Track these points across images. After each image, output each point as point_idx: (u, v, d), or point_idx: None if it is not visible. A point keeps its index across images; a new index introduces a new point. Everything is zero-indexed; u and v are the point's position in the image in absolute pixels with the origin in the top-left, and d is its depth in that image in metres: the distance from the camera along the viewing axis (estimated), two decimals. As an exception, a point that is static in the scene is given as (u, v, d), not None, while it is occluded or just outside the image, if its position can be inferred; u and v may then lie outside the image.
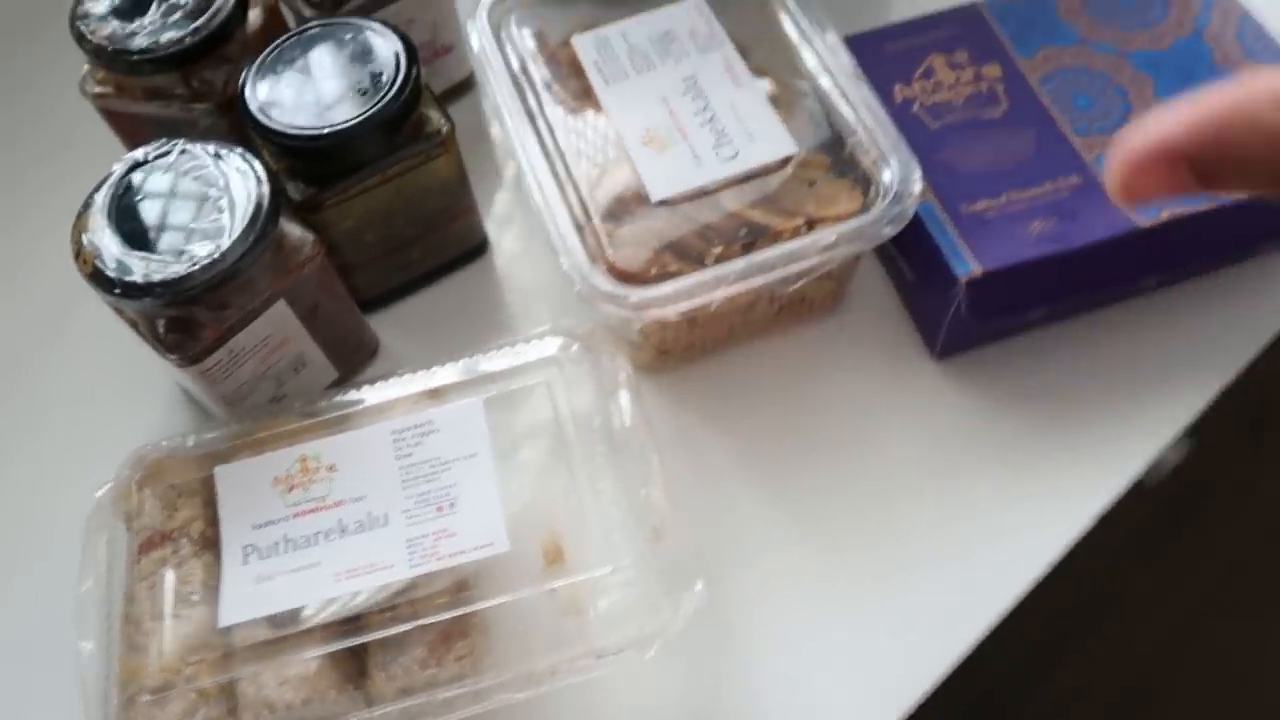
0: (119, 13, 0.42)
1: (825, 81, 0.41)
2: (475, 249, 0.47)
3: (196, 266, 0.34)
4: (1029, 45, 0.45)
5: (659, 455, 0.38)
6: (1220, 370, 0.42)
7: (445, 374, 0.39)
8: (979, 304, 0.39)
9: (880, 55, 0.45)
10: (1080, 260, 0.39)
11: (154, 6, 0.42)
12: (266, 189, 0.36)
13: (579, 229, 0.38)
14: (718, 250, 0.38)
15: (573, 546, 0.36)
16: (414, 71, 0.39)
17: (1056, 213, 0.40)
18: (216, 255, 0.35)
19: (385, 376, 0.39)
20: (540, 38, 0.45)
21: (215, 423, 0.39)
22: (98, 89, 0.43)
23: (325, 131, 0.38)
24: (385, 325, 0.46)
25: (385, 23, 0.41)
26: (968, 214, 0.40)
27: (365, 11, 0.46)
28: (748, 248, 0.38)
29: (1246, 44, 0.44)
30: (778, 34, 0.43)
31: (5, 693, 0.38)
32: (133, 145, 0.45)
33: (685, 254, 0.38)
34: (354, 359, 0.44)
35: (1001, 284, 0.39)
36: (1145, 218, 0.39)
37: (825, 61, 0.42)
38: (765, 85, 0.42)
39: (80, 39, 0.41)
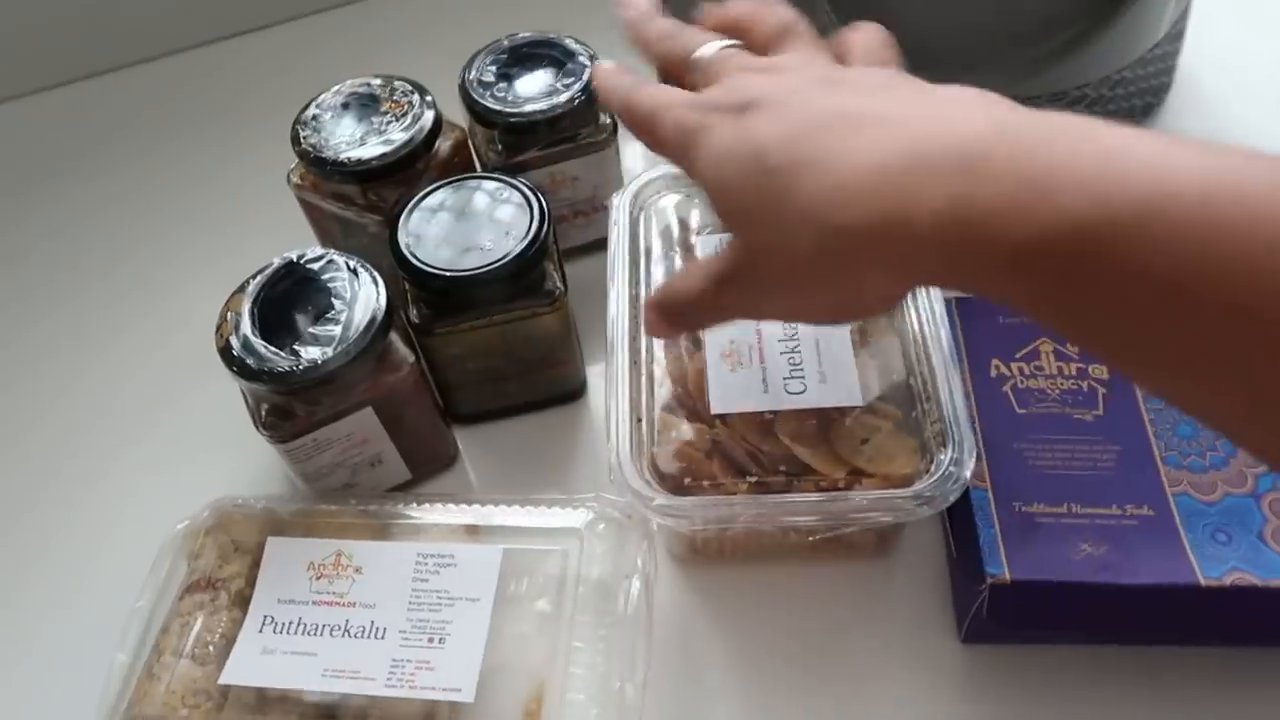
0: (329, 126, 0.49)
1: (917, 342, 0.42)
2: (570, 393, 0.51)
3: (299, 368, 0.40)
4: (1148, 355, 0.43)
5: (649, 651, 0.40)
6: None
7: (485, 514, 0.42)
8: (1002, 610, 0.39)
9: (991, 325, 0.45)
10: (1122, 598, 0.38)
11: (358, 125, 0.48)
12: (380, 314, 0.41)
13: (636, 419, 0.41)
14: (753, 479, 0.39)
15: (550, 713, 0.38)
16: (540, 238, 0.44)
17: (1113, 541, 0.38)
18: (318, 362, 0.40)
19: (440, 499, 0.43)
20: (680, 225, 0.48)
21: (290, 495, 0.45)
22: (298, 182, 0.50)
23: (446, 274, 0.43)
24: (471, 439, 0.51)
25: (533, 187, 0.46)
26: (1020, 513, 0.39)
27: (540, 164, 0.51)
28: (787, 484, 0.39)
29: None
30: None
31: (49, 675, 0.44)
32: (319, 232, 0.52)
33: (724, 471, 0.40)
34: (429, 466, 0.48)
35: (1030, 597, 0.38)
36: (1208, 578, 0.37)
37: (924, 321, 0.42)
38: (856, 329, 0.43)
39: (294, 139, 0.49)
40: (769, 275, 0.31)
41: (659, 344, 0.43)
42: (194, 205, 0.63)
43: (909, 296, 0.43)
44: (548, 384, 0.49)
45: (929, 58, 0.50)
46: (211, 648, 0.39)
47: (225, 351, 0.41)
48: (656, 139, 0.34)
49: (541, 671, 0.39)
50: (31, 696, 0.43)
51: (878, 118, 0.28)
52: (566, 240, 0.56)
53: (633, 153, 0.56)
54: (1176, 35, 0.59)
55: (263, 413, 0.42)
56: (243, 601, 0.40)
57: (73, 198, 0.65)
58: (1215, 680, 0.40)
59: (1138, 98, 0.59)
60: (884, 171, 0.26)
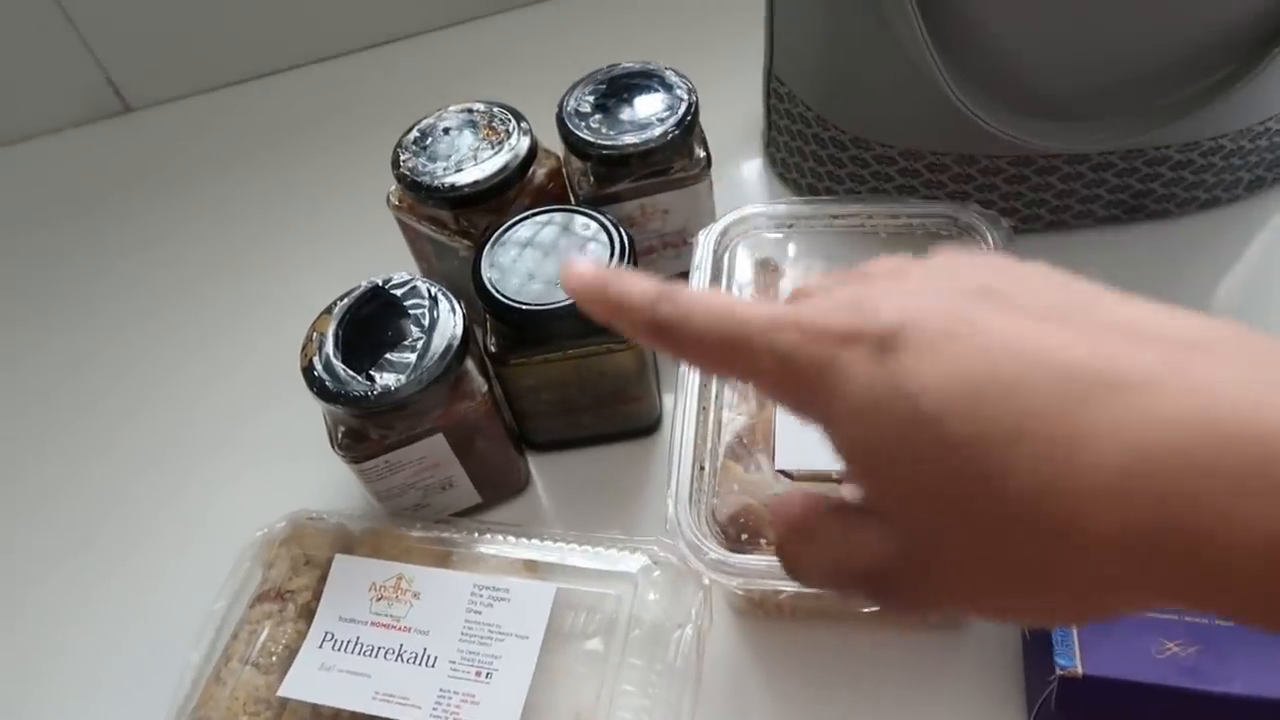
0: (426, 151, 0.50)
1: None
2: (646, 429, 0.50)
3: (374, 394, 0.41)
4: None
5: (695, 702, 0.39)
6: None
7: (545, 549, 0.42)
8: (1072, 704, 0.36)
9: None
10: (1209, 706, 0.35)
11: (452, 154, 0.49)
12: (456, 344, 0.42)
13: (700, 466, 0.40)
14: (813, 542, 0.38)
15: (593, 753, 0.38)
16: (618, 279, 0.43)
17: (1203, 643, 0.35)
18: (392, 389, 0.41)
19: (504, 530, 0.44)
20: (762, 266, 0.47)
21: (364, 512, 0.46)
22: (395, 204, 0.52)
23: (523, 307, 0.43)
24: (544, 467, 0.51)
25: (617, 222, 0.46)
26: (1100, 602, 0.37)
27: (631, 195, 0.51)
28: (850, 547, 0.38)
29: None
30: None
31: (131, 670, 0.46)
32: (415, 253, 0.53)
33: (787, 531, 0.38)
34: (499, 491, 0.49)
35: (1103, 694, 0.35)
36: (1308, 691, 0.34)
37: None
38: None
39: (394, 163, 0.50)
40: (955, 574, 0.22)
41: (729, 389, 0.43)
42: (298, 220, 0.66)
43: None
44: (622, 418, 0.49)
45: (1047, 105, 0.48)
46: (275, 657, 0.40)
47: (308, 371, 0.42)
48: (745, 371, 0.24)
49: (587, 713, 0.38)
50: (113, 691, 0.46)
51: (1092, 369, 0.20)
52: (656, 271, 0.55)
53: (727, 188, 0.55)
54: (1332, 82, 0.54)
55: (339, 433, 0.43)
56: (308, 614, 0.42)
57: (182, 207, 0.68)
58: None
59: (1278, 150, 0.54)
60: (1145, 461, 0.19)
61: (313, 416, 0.45)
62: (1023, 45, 0.46)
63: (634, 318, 0.25)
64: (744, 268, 0.47)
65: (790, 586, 0.37)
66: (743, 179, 0.62)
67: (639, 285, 0.26)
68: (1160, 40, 0.45)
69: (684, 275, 0.55)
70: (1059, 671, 0.35)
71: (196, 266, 0.64)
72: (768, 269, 0.47)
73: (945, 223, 0.46)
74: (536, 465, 0.51)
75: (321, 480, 0.48)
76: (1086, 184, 0.52)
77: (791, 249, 0.48)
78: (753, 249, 0.48)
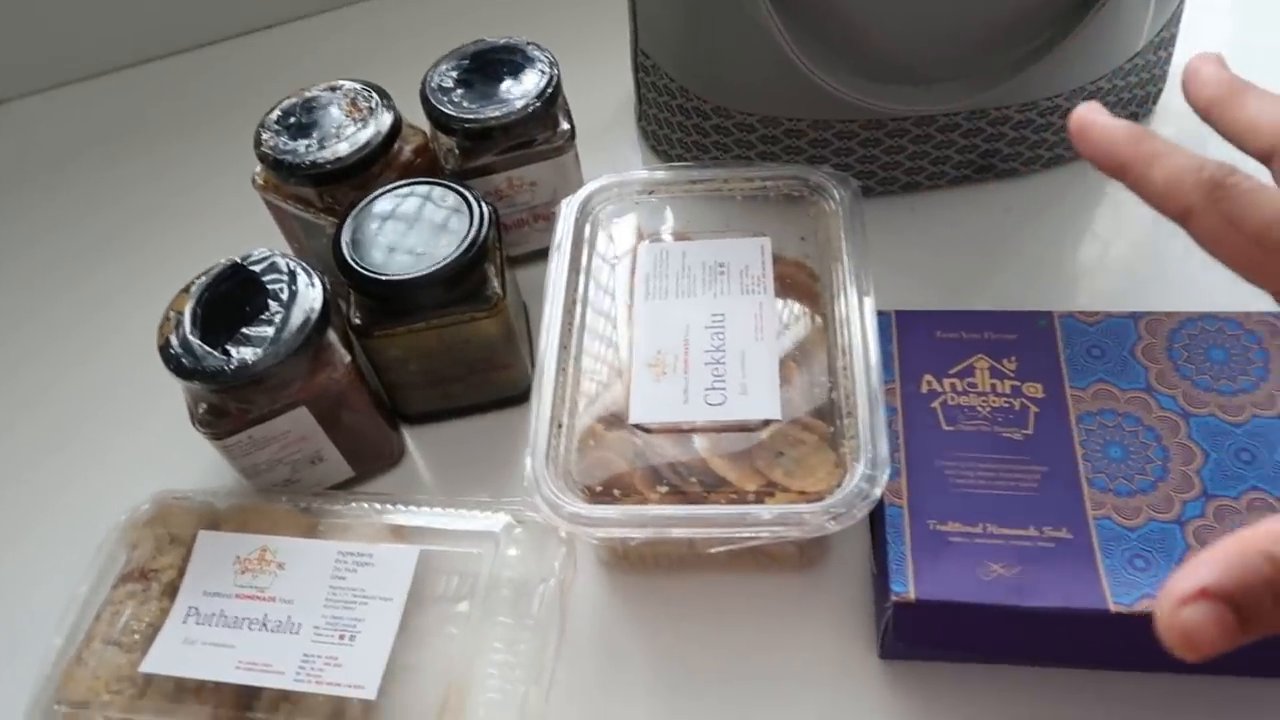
0: (289, 129, 0.50)
1: (845, 353, 0.42)
2: (519, 397, 0.51)
3: (230, 368, 0.41)
4: (1086, 375, 0.43)
5: (557, 654, 0.40)
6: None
7: (411, 515, 0.43)
8: (908, 628, 0.38)
9: (928, 339, 0.44)
10: (1029, 621, 0.37)
11: (315, 131, 0.50)
12: (315, 316, 0.42)
13: (557, 425, 0.41)
14: (664, 489, 0.39)
15: (466, 713, 0.39)
16: (476, 244, 0.44)
17: (1026, 563, 0.38)
18: (249, 362, 0.41)
19: (372, 499, 0.44)
20: (621, 233, 0.48)
21: (234, 490, 0.46)
22: (260, 184, 0.52)
23: (382, 278, 0.44)
24: (420, 438, 0.52)
25: (475, 193, 0.46)
26: (933, 530, 0.39)
27: (498, 169, 0.52)
28: (702, 496, 0.39)
29: (1338, 445, 0.39)
30: (819, 291, 0.44)
31: None
32: (285, 233, 0.53)
33: (643, 483, 0.40)
34: (372, 465, 0.49)
35: (935, 616, 0.38)
36: (1118, 603, 0.36)
37: (853, 334, 0.42)
38: (784, 343, 0.43)
39: (256, 142, 0.50)
40: None
41: (588, 351, 0.44)
42: (169, 206, 0.65)
43: (841, 307, 0.43)
44: (494, 386, 0.50)
45: (889, 69, 0.50)
46: (138, 636, 0.41)
47: (164, 349, 0.42)
48: None
49: (458, 672, 0.39)
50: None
51: None
52: (527, 244, 0.56)
53: (603, 161, 0.56)
54: (1163, 43, 0.57)
55: (200, 410, 0.43)
56: (173, 592, 0.42)
57: (50, 197, 0.67)
58: (1135, 704, 0.40)
59: (1121, 106, 0.57)
60: None
61: (179, 397, 0.45)
62: (863, 12, 0.48)
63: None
64: (604, 235, 0.48)
65: (640, 534, 0.38)
66: (618, 153, 0.64)
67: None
68: (987, 6, 0.47)
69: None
70: (893, 597, 0.37)
71: (64, 254, 0.64)
72: (634, 236, 0.48)
73: (797, 184, 0.48)
74: (412, 437, 0.52)
75: (191, 461, 0.48)
76: (936, 145, 0.54)
77: (651, 215, 0.49)
78: (613, 216, 0.49)
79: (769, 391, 0.41)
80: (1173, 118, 0.60)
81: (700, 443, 0.40)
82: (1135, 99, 0.58)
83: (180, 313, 0.43)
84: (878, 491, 0.38)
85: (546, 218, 0.55)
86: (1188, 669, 0.38)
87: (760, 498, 0.39)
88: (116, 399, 0.55)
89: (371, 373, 0.48)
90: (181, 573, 0.42)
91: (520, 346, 0.49)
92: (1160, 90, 0.60)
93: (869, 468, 0.38)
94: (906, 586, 0.37)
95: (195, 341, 0.42)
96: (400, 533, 0.43)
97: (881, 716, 0.41)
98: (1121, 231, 0.56)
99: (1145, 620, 0.35)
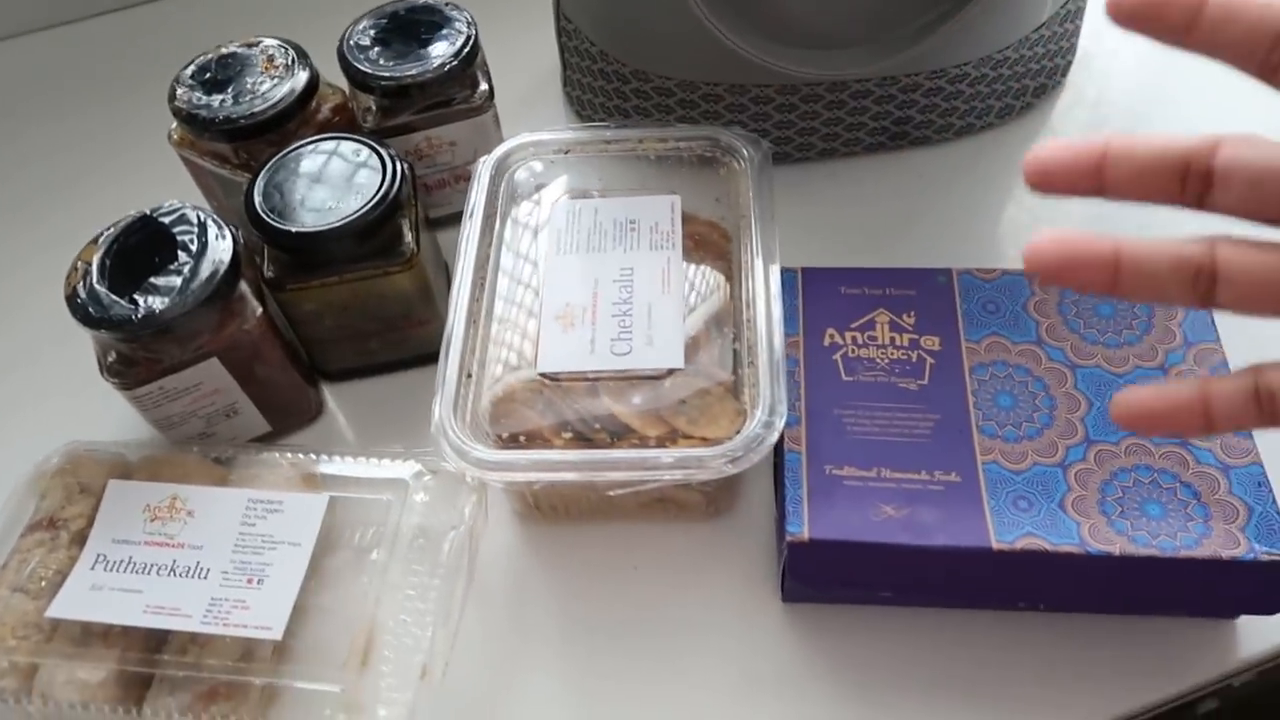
0: (204, 85, 0.50)
1: (749, 306, 0.43)
2: (437, 354, 0.52)
3: (138, 316, 0.41)
4: (980, 328, 0.44)
5: (465, 600, 0.41)
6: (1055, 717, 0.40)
7: (323, 464, 0.43)
8: (802, 568, 0.40)
9: (831, 294, 0.46)
10: (917, 559, 0.38)
11: (231, 87, 0.49)
12: (224, 267, 0.43)
13: (466, 375, 0.42)
14: (568, 436, 0.40)
15: (375, 654, 0.39)
16: (387, 198, 0.45)
17: (916, 505, 0.39)
18: (156, 311, 0.41)
19: (286, 450, 0.45)
20: (536, 190, 0.49)
21: (149, 443, 0.46)
22: (176, 140, 0.51)
23: (293, 230, 0.44)
24: (341, 395, 0.52)
25: (389, 148, 0.47)
26: (829, 475, 0.40)
27: (417, 128, 0.52)
28: (607, 443, 0.40)
29: (1209, 394, 0.41)
30: (731, 250, 0.46)
31: None
32: (203, 189, 0.53)
33: (548, 430, 0.41)
34: (289, 420, 0.49)
35: (828, 555, 0.39)
36: (1000, 541, 0.38)
37: (756, 287, 0.43)
38: (692, 297, 0.44)
39: (171, 97, 0.50)
40: None
41: (500, 303, 0.44)
42: (81, 167, 0.65)
43: (746, 264, 0.44)
44: (413, 343, 0.51)
45: (799, 34, 0.51)
46: (45, 583, 0.41)
47: (71, 299, 0.42)
48: None
49: (368, 614, 0.40)
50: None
51: None
52: (450, 205, 0.57)
53: (529, 125, 0.56)
54: (1069, 16, 0.59)
55: (109, 360, 0.43)
56: (81, 541, 0.42)
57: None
58: (1022, 643, 0.41)
59: (1029, 78, 0.59)
60: None
61: (89, 349, 0.45)
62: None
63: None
64: (519, 192, 0.49)
65: (544, 477, 0.39)
66: (545, 116, 0.64)
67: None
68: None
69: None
70: (788, 537, 0.39)
71: None
72: (546, 196, 0.49)
73: (708, 144, 0.49)
74: (333, 394, 0.52)
75: (106, 416, 0.48)
76: (850, 111, 0.56)
77: (566, 174, 0.49)
78: (529, 174, 0.50)
79: (673, 342, 0.42)
80: (1081, 90, 0.62)
81: (606, 391, 0.41)
82: (1044, 70, 0.60)
83: (88, 263, 0.43)
84: (773, 436, 0.39)
85: (467, 179, 0.55)
86: (1069, 606, 0.40)
87: (664, 444, 0.40)
88: (30, 353, 0.55)
89: (288, 328, 0.48)
90: (91, 521, 0.42)
91: (439, 304, 0.50)
92: (1069, 62, 0.62)
93: (767, 414, 0.39)
94: (801, 527, 0.39)
95: (102, 291, 0.42)
96: (311, 481, 0.43)
97: (783, 656, 0.42)
98: (1022, 198, 0.58)
99: (1026, 557, 0.37)
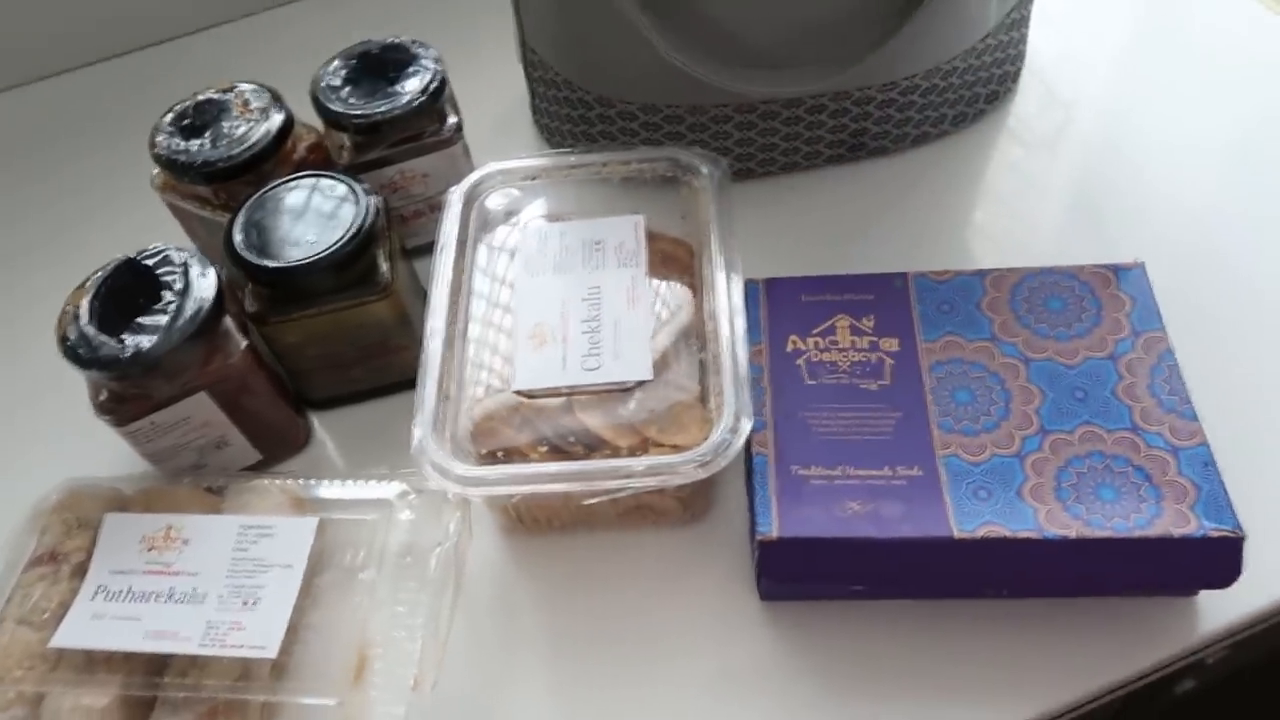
0: (183, 130, 0.52)
1: (712, 319, 0.45)
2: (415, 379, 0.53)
3: (125, 355, 0.43)
4: (936, 328, 0.46)
5: (452, 614, 0.43)
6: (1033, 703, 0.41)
7: (310, 488, 0.45)
8: (774, 566, 0.41)
9: (793, 302, 0.48)
10: (882, 551, 0.40)
11: (209, 132, 0.51)
12: (207, 305, 0.44)
13: (445, 397, 0.44)
14: (544, 449, 0.42)
15: (369, 669, 0.41)
16: (361, 231, 0.47)
17: (880, 499, 0.41)
18: (143, 349, 0.43)
19: (276, 476, 0.46)
20: (506, 217, 0.51)
21: (144, 477, 0.48)
22: (159, 185, 0.53)
23: (270, 266, 0.46)
24: (328, 423, 0.54)
25: (361, 183, 0.49)
26: (795, 475, 0.42)
27: (389, 162, 0.54)
28: (582, 456, 0.42)
29: (1157, 383, 0.43)
30: (695, 265, 0.47)
31: None
32: (188, 232, 0.55)
33: (525, 446, 0.42)
34: (279, 449, 0.51)
35: (798, 552, 0.41)
36: (961, 530, 0.40)
37: (719, 300, 0.45)
38: (659, 311, 0.46)
39: (151, 144, 0.52)
40: None
41: (474, 325, 0.46)
42: (66, 217, 0.67)
43: (710, 278, 0.46)
44: (394, 369, 0.52)
45: (749, 55, 0.53)
46: (48, 614, 0.42)
47: (62, 341, 0.44)
48: None
49: (360, 631, 0.41)
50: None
51: None
52: (426, 235, 0.58)
53: (500, 156, 0.58)
54: (1015, 24, 0.61)
55: (101, 398, 0.45)
56: (82, 573, 0.43)
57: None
58: (994, 629, 0.43)
59: (980, 85, 0.61)
60: None
61: (84, 390, 0.47)
62: (719, 2, 0.51)
63: None
64: (490, 219, 0.51)
65: (521, 490, 0.41)
66: (515, 146, 0.66)
67: None
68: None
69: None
70: (758, 536, 0.40)
71: None
72: (514, 221, 0.51)
73: (669, 165, 0.51)
74: (320, 422, 0.54)
75: (100, 453, 0.50)
76: (807, 125, 0.58)
77: (534, 199, 0.51)
78: (499, 202, 0.51)
79: (641, 355, 0.44)
80: (1032, 96, 0.65)
81: (579, 406, 0.43)
82: (994, 77, 0.62)
83: (77, 306, 0.45)
84: (740, 441, 0.41)
85: (441, 209, 0.57)
86: (1033, 591, 0.42)
87: (635, 454, 0.42)
88: (28, 396, 0.57)
89: (273, 360, 0.50)
90: (90, 554, 0.44)
91: (417, 330, 0.51)
92: (1019, 69, 0.64)
93: (733, 420, 0.41)
94: (771, 526, 0.41)
95: (91, 332, 0.44)
96: (300, 504, 0.45)
97: (763, 653, 0.44)
98: (978, 201, 0.60)
99: (987, 545, 0.39)
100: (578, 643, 0.45)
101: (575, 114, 0.60)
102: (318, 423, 0.54)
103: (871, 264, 0.56)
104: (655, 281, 0.47)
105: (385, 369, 0.52)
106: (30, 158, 0.71)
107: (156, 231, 0.56)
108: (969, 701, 0.42)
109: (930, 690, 0.42)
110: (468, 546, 0.46)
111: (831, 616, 0.44)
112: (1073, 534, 0.39)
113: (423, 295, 0.54)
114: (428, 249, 0.58)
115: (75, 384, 0.46)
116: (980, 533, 0.40)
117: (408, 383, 0.53)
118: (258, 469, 0.51)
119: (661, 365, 0.44)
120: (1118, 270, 0.47)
